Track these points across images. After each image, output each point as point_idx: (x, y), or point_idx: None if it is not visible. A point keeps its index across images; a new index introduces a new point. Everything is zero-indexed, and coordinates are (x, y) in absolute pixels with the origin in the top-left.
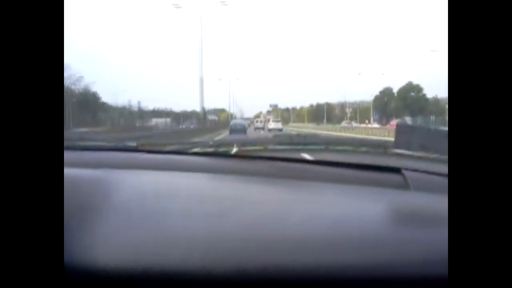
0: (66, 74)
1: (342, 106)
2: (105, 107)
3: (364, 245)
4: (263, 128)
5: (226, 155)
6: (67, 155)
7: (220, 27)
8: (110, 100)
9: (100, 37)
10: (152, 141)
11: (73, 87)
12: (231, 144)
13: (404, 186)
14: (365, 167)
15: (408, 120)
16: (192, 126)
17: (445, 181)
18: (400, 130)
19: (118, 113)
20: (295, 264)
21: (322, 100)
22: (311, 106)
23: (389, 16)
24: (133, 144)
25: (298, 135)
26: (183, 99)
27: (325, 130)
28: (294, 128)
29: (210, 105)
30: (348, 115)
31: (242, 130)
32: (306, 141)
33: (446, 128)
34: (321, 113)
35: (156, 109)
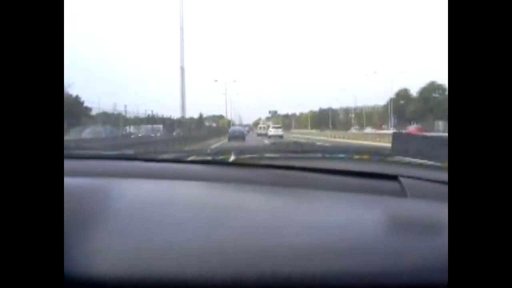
0: None
1: (347, 111)
2: (88, 112)
3: (362, 253)
4: (266, 134)
5: (224, 163)
6: (65, 163)
7: (219, 30)
8: (95, 104)
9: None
10: (150, 149)
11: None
12: (228, 152)
13: (401, 193)
14: (362, 175)
15: (441, 125)
16: (181, 134)
17: (442, 187)
18: (397, 137)
19: (106, 119)
20: (293, 272)
21: (324, 106)
22: (312, 112)
23: (397, 11)
24: (130, 152)
25: (295, 142)
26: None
27: (339, 137)
28: (297, 135)
29: (208, 112)
30: (354, 120)
31: (241, 137)
32: (303, 149)
33: (443, 134)
34: (324, 119)
35: (150, 115)
